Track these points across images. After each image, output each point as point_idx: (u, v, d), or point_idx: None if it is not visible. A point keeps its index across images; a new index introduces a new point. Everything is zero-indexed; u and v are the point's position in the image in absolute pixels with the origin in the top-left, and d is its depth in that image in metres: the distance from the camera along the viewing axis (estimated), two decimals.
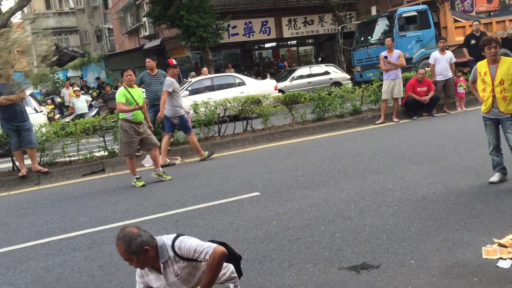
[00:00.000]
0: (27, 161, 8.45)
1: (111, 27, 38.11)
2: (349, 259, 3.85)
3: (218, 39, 21.24)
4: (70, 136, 8.96)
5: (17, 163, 8.50)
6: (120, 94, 7.05)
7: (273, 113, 10.75)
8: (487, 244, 3.80)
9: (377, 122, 10.68)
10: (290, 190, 6.05)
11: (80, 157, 9.06)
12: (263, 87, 14.12)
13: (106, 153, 9.15)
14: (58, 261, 4.51)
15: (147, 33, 26.87)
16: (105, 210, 6.10)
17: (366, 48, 18.16)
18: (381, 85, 11.03)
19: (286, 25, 26.35)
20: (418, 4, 17.97)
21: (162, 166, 7.84)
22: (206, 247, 2.71)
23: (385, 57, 10.61)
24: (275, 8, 25.69)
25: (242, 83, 15.06)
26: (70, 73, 31.99)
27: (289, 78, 20.04)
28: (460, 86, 11.38)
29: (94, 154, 9.13)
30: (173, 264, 2.76)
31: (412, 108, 10.95)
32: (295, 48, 29.14)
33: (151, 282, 2.87)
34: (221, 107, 10.20)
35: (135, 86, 7.37)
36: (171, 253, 2.75)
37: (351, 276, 3.56)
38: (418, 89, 10.83)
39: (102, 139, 9.28)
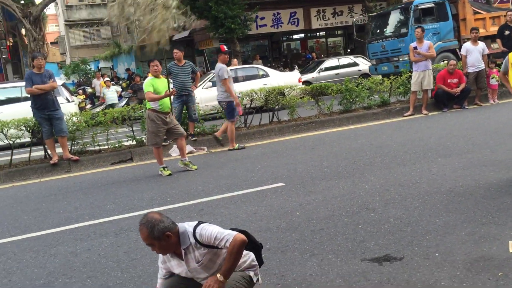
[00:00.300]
0: (59, 150, 8.67)
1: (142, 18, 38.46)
2: (372, 251, 3.82)
3: (246, 30, 21.24)
4: (99, 126, 9.15)
5: (48, 151, 8.73)
6: (147, 84, 7.15)
7: (300, 104, 10.70)
8: None
9: (406, 114, 10.51)
10: (315, 181, 6.03)
11: (109, 146, 9.24)
12: (287, 79, 14.03)
13: (134, 142, 9.30)
14: (85, 246, 4.63)
15: (176, 25, 27.04)
16: (132, 198, 6.21)
17: (381, 41, 17.49)
18: (410, 76, 10.83)
19: (315, 16, 26.12)
20: None
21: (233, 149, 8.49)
22: (226, 235, 2.74)
23: (415, 48, 10.41)
24: None
25: (265, 75, 15.04)
26: (102, 64, 32.60)
27: (317, 70, 19.92)
28: (492, 78, 11.09)
29: (122, 143, 9.29)
30: (194, 250, 2.80)
31: (442, 100, 10.73)
32: (323, 40, 28.92)
33: (173, 268, 2.92)
34: (247, 98, 10.21)
35: (161, 76, 7.45)
36: (192, 240, 2.79)
37: (373, 268, 3.54)
38: (449, 80, 10.60)
39: (130, 128, 9.43)
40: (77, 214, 5.74)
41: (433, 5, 16.56)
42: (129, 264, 4.10)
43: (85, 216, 5.63)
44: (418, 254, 3.67)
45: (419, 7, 16.41)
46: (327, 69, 19.81)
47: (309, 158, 7.44)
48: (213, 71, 16.70)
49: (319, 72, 19.69)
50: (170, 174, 7.27)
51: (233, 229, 2.89)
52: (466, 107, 10.75)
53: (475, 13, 17.26)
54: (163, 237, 2.71)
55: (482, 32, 16.79)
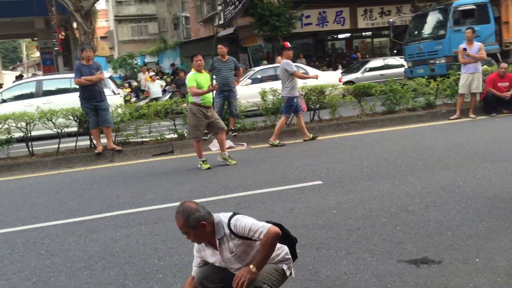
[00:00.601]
0: (103, 140, 8.94)
1: (188, 15, 39.09)
2: (409, 252, 3.74)
3: (291, 28, 21.19)
4: (143, 118, 9.37)
5: (94, 141, 9.02)
6: (191, 79, 7.25)
7: (341, 104, 10.58)
8: None
9: (452, 117, 10.21)
10: (354, 180, 5.96)
11: (151, 139, 9.44)
12: (327, 78, 13.83)
13: (176, 135, 9.47)
14: (125, 233, 4.76)
15: (221, 22, 27.27)
16: (171, 189, 6.33)
17: (418, 42, 16.87)
18: (458, 78, 10.51)
19: (362, 15, 25.75)
20: None
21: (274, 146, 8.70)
22: (260, 227, 2.75)
23: (464, 49, 10.09)
24: None
25: (305, 73, 14.89)
26: (147, 59, 33.35)
27: (361, 70, 19.64)
28: None
29: (164, 136, 9.47)
30: (229, 241, 2.83)
31: (491, 104, 10.36)
32: (369, 40, 28.45)
33: (207, 257, 2.96)
34: None
35: (203, 71, 7.54)
36: (227, 231, 2.81)
37: (410, 269, 3.46)
38: (499, 84, 10.23)
39: (172, 122, 9.60)
40: (118, 202, 5.90)
41: (474, 6, 15.77)
42: (165, 252, 4.18)
43: (126, 204, 5.78)
44: (457, 258, 3.57)
45: (459, 9, 15.70)
46: (371, 69, 19.50)
47: (349, 157, 7.35)
48: (255, 68, 16.82)
49: (363, 72, 19.41)
50: (209, 168, 7.35)
51: (267, 222, 2.90)
52: None
53: None
54: (198, 226, 2.74)
55: None
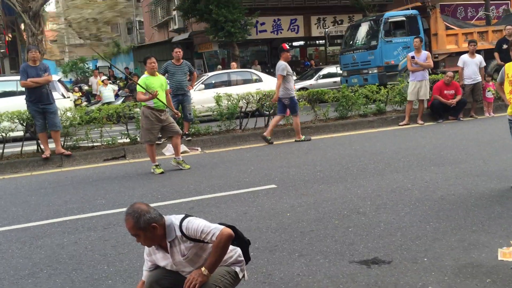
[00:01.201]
0: (51, 144, 8.62)
1: (142, 20, 38.55)
2: (360, 253, 3.80)
3: (246, 34, 21.29)
4: (94, 122, 9.11)
5: (41, 145, 8.68)
6: (141, 82, 7.13)
7: None
8: (504, 246, 3.70)
9: (401, 123, 10.53)
10: (307, 184, 6.01)
11: (103, 143, 9.19)
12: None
13: (128, 140, 9.26)
14: (73, 239, 4.59)
15: (176, 27, 27.09)
16: (122, 194, 6.17)
17: (352, 52, 17.16)
18: (407, 86, 10.86)
19: (315, 24, 26.23)
20: (407, 9, 16.89)
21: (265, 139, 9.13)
22: (213, 229, 2.71)
23: (412, 57, 10.44)
24: (304, 6, 25.60)
25: (259, 80, 15.02)
26: (100, 63, 32.55)
27: (315, 77, 19.96)
28: (488, 91, 11.13)
29: (116, 140, 9.24)
30: (180, 244, 2.77)
31: (438, 111, 10.76)
32: (323, 48, 28.97)
33: (158, 260, 2.88)
34: (243, 100, 10.20)
35: (157, 74, 7.41)
36: (178, 233, 2.75)
37: (361, 270, 3.51)
38: (445, 91, 10.63)
39: (125, 126, 9.39)
40: (66, 208, 5.69)
41: (404, 18, 16.27)
42: (115, 258, 4.06)
43: (74, 210, 5.58)
44: (406, 258, 3.65)
45: (390, 20, 16.16)
46: (324, 76, 19.85)
47: (303, 162, 7.42)
48: (208, 73, 16.76)
49: (316, 80, 19.74)
50: (162, 172, 7.23)
51: (220, 224, 2.86)
52: (462, 119, 10.78)
53: (448, 28, 16.98)
54: (149, 228, 2.67)
55: (454, 48, 16.77)
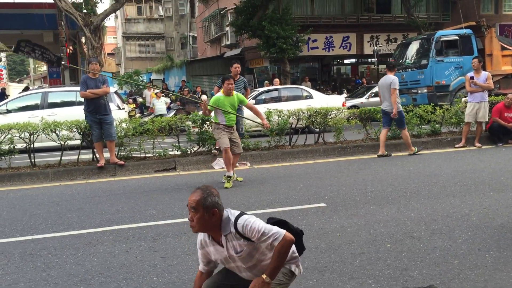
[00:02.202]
0: (106, 154, 8.88)
1: (196, 35, 39.52)
2: (414, 280, 3.64)
3: (298, 51, 21.33)
4: (147, 134, 9.33)
5: (96, 154, 8.96)
6: (212, 100, 7.29)
7: (346, 127, 10.55)
8: None
9: (457, 146, 10.15)
10: (358, 204, 5.87)
11: (154, 154, 9.38)
12: (331, 102, 13.80)
13: (179, 152, 9.41)
14: (124, 248, 4.66)
15: (228, 42, 27.55)
16: (172, 206, 6.24)
17: (401, 71, 16.51)
18: (465, 107, 10.48)
19: (368, 41, 25.96)
20: (461, 28, 16.33)
21: (380, 156, 9.27)
22: (274, 232, 2.65)
23: (471, 77, 10.09)
24: (357, 24, 25.44)
25: (309, 96, 14.95)
26: (154, 76, 33.54)
27: (366, 95, 19.68)
28: None
29: (167, 152, 9.41)
30: (233, 240, 2.73)
31: (497, 134, 10.31)
32: (374, 66, 28.61)
33: (210, 253, 2.85)
34: (294, 117, 10.17)
35: (233, 93, 7.40)
36: (233, 229, 2.71)
37: None
38: (505, 114, 10.19)
39: (176, 138, 9.56)
40: (118, 217, 5.81)
41: (457, 37, 15.77)
42: (164, 269, 4.08)
43: (126, 219, 5.69)
44: None
45: (442, 39, 15.68)
46: (376, 95, 19.48)
47: (353, 181, 7.28)
48: (259, 89, 16.85)
49: (368, 98, 19.44)
50: (226, 188, 7.13)
51: (271, 218, 2.82)
52: None
53: (503, 49, 16.32)
54: (210, 210, 2.66)
55: (510, 69, 16.09)
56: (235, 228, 2.70)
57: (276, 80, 17.67)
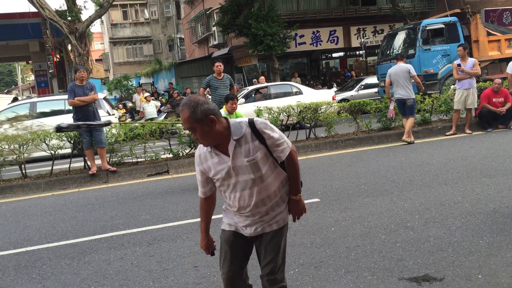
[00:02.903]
0: (98, 161, 8.84)
1: (183, 36, 39.40)
2: (410, 270, 3.65)
3: (285, 47, 21.33)
4: (137, 138, 9.29)
5: (88, 162, 8.92)
6: None
7: (337, 121, 10.56)
8: None
9: (448, 133, 10.19)
10: (351, 197, 5.88)
11: (146, 159, 9.35)
12: (321, 97, 13.80)
13: (171, 155, 9.38)
14: (119, 255, 4.65)
15: (216, 42, 27.49)
16: (166, 209, 6.23)
17: (389, 62, 16.36)
18: (453, 95, 10.53)
19: (355, 34, 26.02)
20: (446, 16, 16.42)
21: (408, 143, 9.38)
22: (287, 141, 2.60)
23: (458, 65, 10.13)
24: (343, 17, 25.46)
25: (299, 92, 14.94)
26: (143, 80, 33.39)
27: (356, 88, 19.72)
28: None
29: (159, 156, 9.39)
30: (247, 143, 2.54)
31: (486, 119, 10.36)
32: (363, 58, 28.67)
33: (210, 168, 2.62)
34: (284, 113, 10.17)
35: (235, 113, 7.43)
36: (247, 130, 2.53)
37: (411, 287, 3.37)
38: (493, 99, 10.24)
39: (167, 142, 9.53)
40: (112, 223, 5.79)
41: (442, 26, 15.85)
42: (160, 274, 4.07)
43: (120, 225, 5.67)
44: (459, 275, 3.49)
45: (428, 28, 15.75)
46: (366, 87, 19.57)
47: (346, 174, 7.29)
48: (248, 87, 16.84)
49: (358, 90, 19.48)
50: None
51: None
52: None
53: (489, 34, 16.45)
54: (206, 121, 2.43)
55: (496, 54, 16.19)
56: (251, 126, 2.53)
57: (262, 78, 17.69)
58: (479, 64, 10.76)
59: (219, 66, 9.59)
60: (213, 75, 9.64)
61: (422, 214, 4.97)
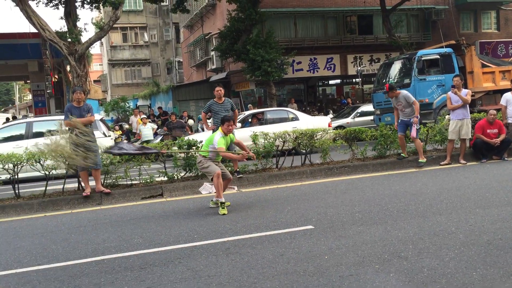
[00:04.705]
0: (92, 182, 8.80)
1: (181, 60, 39.75)
2: None
3: (282, 73, 21.53)
4: (132, 160, 9.27)
5: (82, 183, 8.87)
6: (220, 143, 7.24)
7: (332, 148, 10.60)
8: None
9: (442, 163, 10.25)
10: (345, 225, 5.87)
11: (141, 181, 9.32)
12: (317, 123, 13.87)
13: (166, 178, 9.36)
14: (110, 279, 4.59)
15: (214, 66, 27.74)
16: (159, 233, 6.18)
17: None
18: (448, 124, 10.61)
19: (352, 62, 26.35)
20: (442, 47, 16.79)
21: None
22: None
23: (452, 86, 10.27)
24: (341, 45, 25.82)
25: (295, 118, 15.03)
26: (140, 102, 33.55)
27: (352, 115, 19.86)
28: None
29: (154, 179, 9.36)
30: None
31: (481, 150, 10.43)
32: (359, 86, 28.94)
33: None
34: (280, 139, 10.20)
35: (229, 135, 7.53)
36: None
37: None
38: (488, 130, 10.34)
39: (163, 164, 9.52)
40: (104, 246, 5.73)
41: (438, 56, 16.14)
42: None
43: (112, 248, 5.62)
44: None
45: (423, 58, 16.03)
46: (362, 114, 19.71)
47: (340, 202, 7.28)
48: (245, 112, 16.94)
49: (354, 118, 19.62)
50: (224, 214, 6.99)
51: None
52: (506, 158, 10.40)
53: (484, 66, 16.71)
54: None
55: (491, 86, 16.43)
56: None
57: (250, 106, 18.00)
58: (473, 95, 10.90)
59: (219, 90, 9.68)
60: (214, 99, 9.71)
61: (416, 244, 4.96)
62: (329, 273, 4.31)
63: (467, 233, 5.22)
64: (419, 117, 10.13)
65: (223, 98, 9.73)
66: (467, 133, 10.20)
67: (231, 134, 7.62)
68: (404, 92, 10.28)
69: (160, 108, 26.13)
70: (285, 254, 4.94)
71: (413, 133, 10.04)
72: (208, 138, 7.60)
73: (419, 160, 10.14)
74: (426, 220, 5.84)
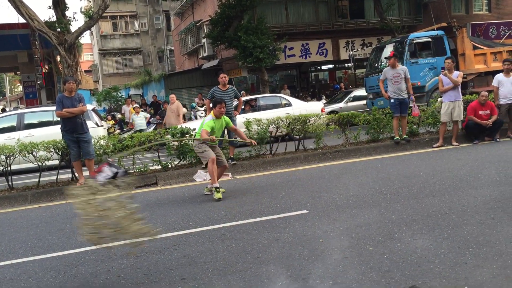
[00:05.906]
0: (86, 172, 8.78)
1: (173, 48, 39.48)
2: (397, 281, 3.67)
3: (275, 60, 21.45)
4: (126, 150, 9.24)
5: (76, 174, 8.85)
6: (207, 125, 7.23)
7: (326, 133, 10.62)
8: None
9: (435, 145, 10.30)
10: (339, 209, 5.91)
11: (135, 170, 9.31)
12: (310, 109, 13.87)
13: (160, 167, 9.35)
14: (106, 267, 4.61)
15: (205, 54, 27.58)
16: (154, 221, 6.18)
17: (377, 74, 16.49)
18: (440, 107, 10.65)
19: (344, 47, 26.27)
20: (433, 30, 16.80)
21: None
22: None
23: (442, 68, 10.31)
24: (332, 30, 25.71)
25: (288, 104, 15.02)
26: (132, 91, 33.34)
27: (345, 100, 19.86)
28: None
29: (148, 167, 9.35)
30: None
31: (473, 132, 10.49)
32: (351, 70, 28.92)
33: None
34: (273, 125, 10.20)
35: (222, 117, 7.52)
36: None
37: None
38: (480, 112, 10.38)
39: (156, 153, 9.50)
40: None
41: (429, 39, 16.17)
42: (147, 286, 4.05)
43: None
44: (446, 286, 3.51)
45: (415, 41, 16.05)
46: (355, 99, 19.72)
47: (334, 186, 7.32)
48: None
49: (346, 102, 19.63)
50: (219, 199, 7.02)
51: None
52: (498, 139, 10.47)
53: (475, 48, 16.78)
54: None
55: (482, 67, 16.48)
56: None
57: (243, 93, 17.96)
58: (465, 77, 10.94)
59: (223, 77, 9.67)
60: (218, 86, 9.70)
61: (409, 225, 5.00)
62: (324, 256, 4.35)
63: (459, 213, 5.27)
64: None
65: (227, 86, 9.72)
66: (459, 115, 10.24)
67: (226, 118, 7.60)
68: (404, 66, 10.34)
69: (154, 96, 25.98)
70: (280, 238, 4.97)
71: (417, 110, 10.17)
72: (201, 122, 7.60)
73: (404, 137, 10.41)
74: (419, 202, 5.89)
